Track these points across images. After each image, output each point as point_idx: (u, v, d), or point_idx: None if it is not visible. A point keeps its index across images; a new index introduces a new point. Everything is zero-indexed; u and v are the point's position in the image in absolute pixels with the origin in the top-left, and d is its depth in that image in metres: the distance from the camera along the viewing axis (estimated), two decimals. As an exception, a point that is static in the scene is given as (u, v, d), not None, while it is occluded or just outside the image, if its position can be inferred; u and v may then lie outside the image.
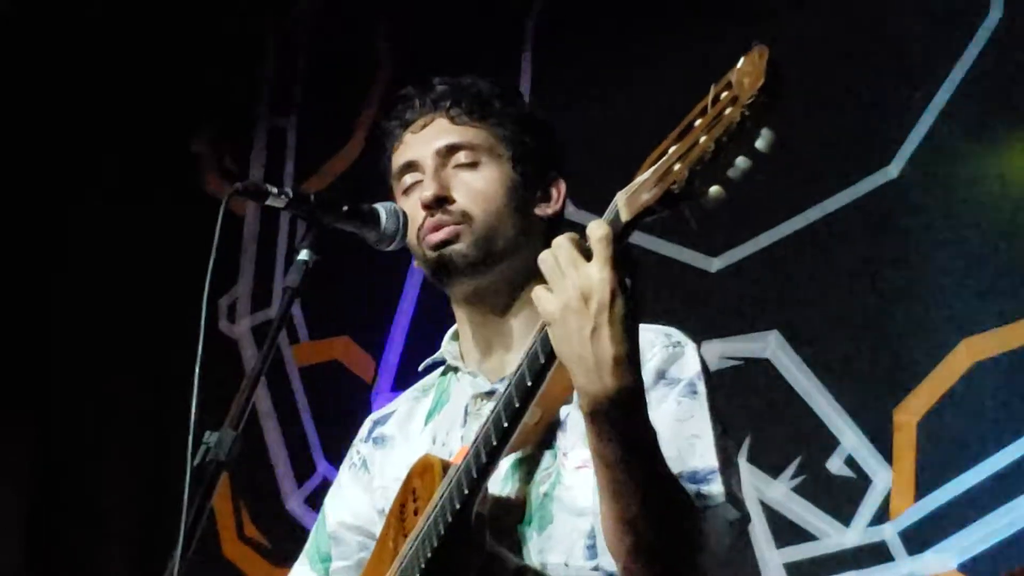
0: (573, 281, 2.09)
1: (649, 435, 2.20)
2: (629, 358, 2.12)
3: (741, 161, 1.98)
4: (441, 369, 2.75)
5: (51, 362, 5.89)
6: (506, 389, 2.31)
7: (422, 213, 2.59)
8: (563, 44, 5.14)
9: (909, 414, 4.28)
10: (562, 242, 2.13)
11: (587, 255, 2.12)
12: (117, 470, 5.86)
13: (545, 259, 2.14)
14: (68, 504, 5.83)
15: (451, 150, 2.63)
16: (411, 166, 2.65)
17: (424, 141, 2.65)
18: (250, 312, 5.79)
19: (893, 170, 4.41)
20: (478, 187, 2.60)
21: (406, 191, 2.66)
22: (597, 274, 2.09)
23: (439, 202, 2.59)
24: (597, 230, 2.11)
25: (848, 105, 4.48)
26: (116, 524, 5.83)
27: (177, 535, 2.21)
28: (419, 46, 5.40)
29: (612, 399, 2.12)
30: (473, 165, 2.62)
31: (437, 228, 2.58)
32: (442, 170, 2.62)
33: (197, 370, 2.32)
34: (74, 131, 5.83)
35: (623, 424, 2.15)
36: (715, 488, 2.36)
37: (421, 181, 2.63)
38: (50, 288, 5.87)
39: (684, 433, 2.39)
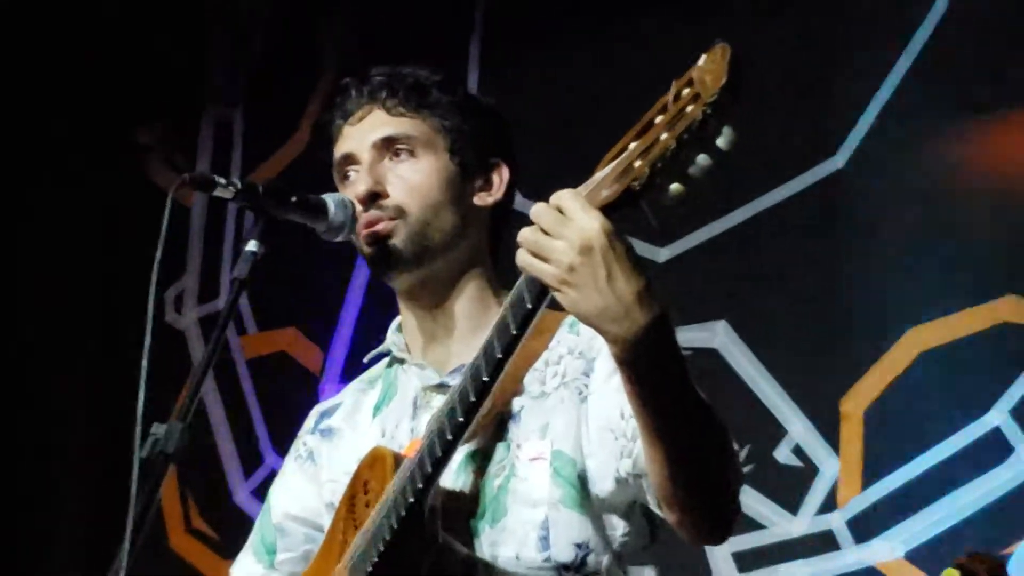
0: (568, 240, 2.05)
1: (684, 364, 2.16)
2: (648, 289, 2.07)
3: (702, 159, 1.97)
4: (387, 360, 2.72)
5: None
6: (461, 383, 2.30)
7: (360, 207, 2.57)
8: (512, 33, 5.13)
9: (856, 403, 4.31)
10: (540, 210, 2.08)
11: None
12: (64, 463, 5.83)
13: (526, 236, 2.09)
14: (15, 497, 5.80)
15: (387, 142, 2.60)
16: (348, 159, 2.63)
17: (361, 133, 2.62)
18: (197, 304, 5.76)
19: (839, 160, 4.43)
20: (413, 181, 2.57)
21: (344, 184, 2.64)
22: (586, 223, 2.05)
23: (372, 197, 2.56)
24: (560, 193, 2.08)
25: (794, 95, 4.49)
26: (64, 516, 5.80)
27: (124, 527, 2.20)
28: (366, 36, 5.38)
29: (648, 333, 2.07)
30: (409, 157, 2.59)
31: (372, 224, 2.55)
32: (378, 163, 2.59)
33: (144, 362, 2.30)
34: (18, 122, 5.79)
35: (665, 353, 2.12)
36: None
37: (357, 174, 2.61)
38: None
39: None
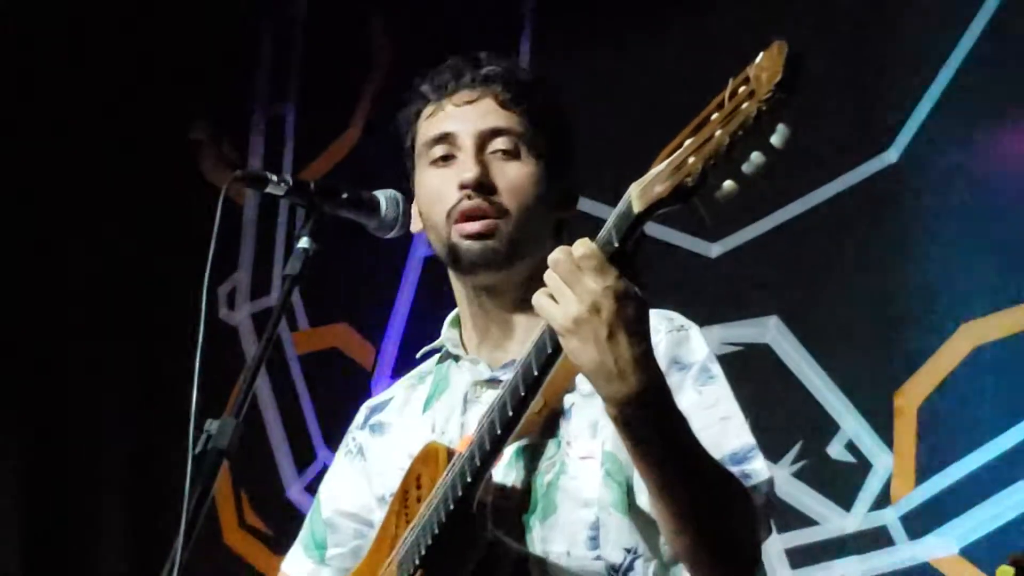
0: (581, 293, 2.09)
1: (684, 425, 2.20)
2: (648, 355, 2.12)
3: (756, 156, 1.97)
4: (438, 356, 2.72)
5: (50, 350, 5.88)
6: (512, 379, 2.29)
7: (455, 193, 2.52)
8: (563, 26, 5.12)
9: (909, 399, 4.29)
10: (558, 257, 2.11)
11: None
12: (117, 459, 5.86)
13: (549, 276, 2.12)
14: (67, 494, 5.83)
15: (494, 134, 2.55)
16: (447, 138, 2.56)
17: (468, 117, 2.56)
18: (249, 300, 5.78)
19: (892, 155, 4.41)
20: (517, 181, 2.53)
21: (435, 162, 2.58)
22: (598, 285, 2.08)
23: (481, 187, 2.52)
24: (577, 249, 2.11)
25: (847, 90, 4.47)
26: (116, 512, 5.83)
27: (178, 523, 2.21)
28: (417, 30, 5.38)
29: (641, 399, 2.11)
30: (513, 156, 2.55)
31: (475, 217, 2.51)
32: (481, 153, 2.54)
33: (198, 358, 2.31)
34: (71, 120, 5.82)
35: (657, 421, 2.16)
36: (757, 464, 2.38)
37: (455, 156, 2.55)
38: (47, 277, 5.86)
39: (714, 418, 2.40)
